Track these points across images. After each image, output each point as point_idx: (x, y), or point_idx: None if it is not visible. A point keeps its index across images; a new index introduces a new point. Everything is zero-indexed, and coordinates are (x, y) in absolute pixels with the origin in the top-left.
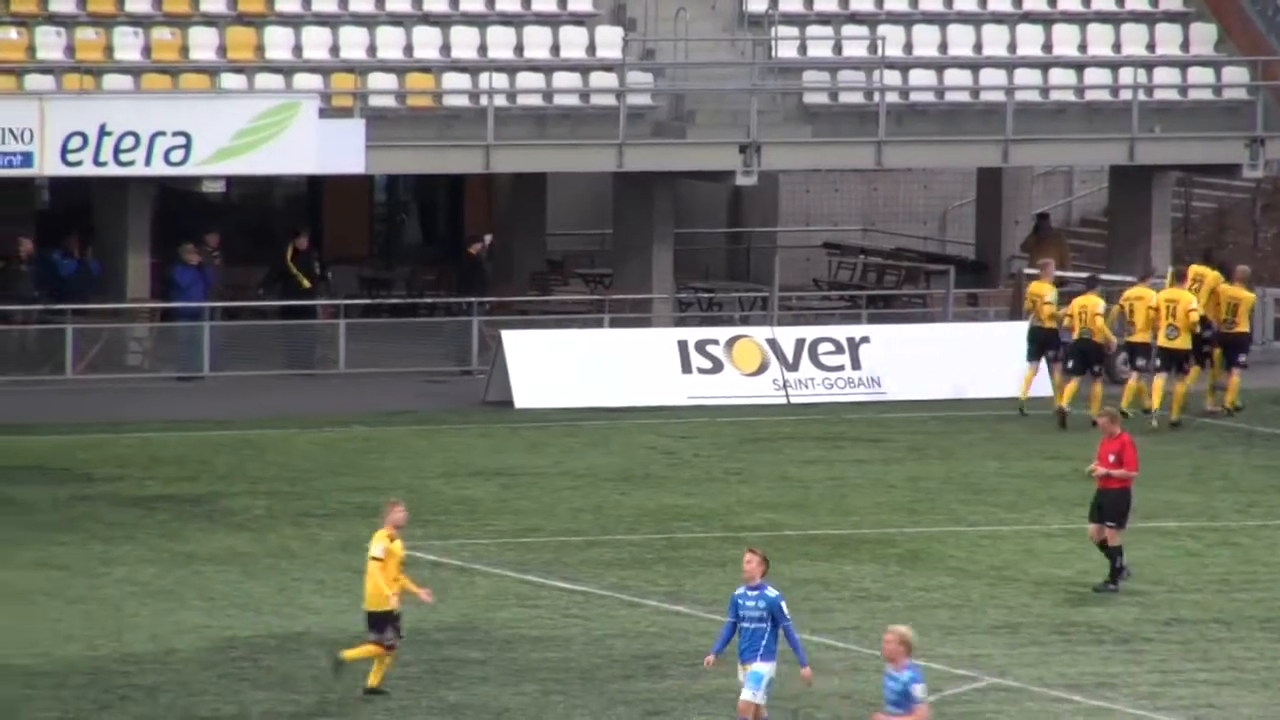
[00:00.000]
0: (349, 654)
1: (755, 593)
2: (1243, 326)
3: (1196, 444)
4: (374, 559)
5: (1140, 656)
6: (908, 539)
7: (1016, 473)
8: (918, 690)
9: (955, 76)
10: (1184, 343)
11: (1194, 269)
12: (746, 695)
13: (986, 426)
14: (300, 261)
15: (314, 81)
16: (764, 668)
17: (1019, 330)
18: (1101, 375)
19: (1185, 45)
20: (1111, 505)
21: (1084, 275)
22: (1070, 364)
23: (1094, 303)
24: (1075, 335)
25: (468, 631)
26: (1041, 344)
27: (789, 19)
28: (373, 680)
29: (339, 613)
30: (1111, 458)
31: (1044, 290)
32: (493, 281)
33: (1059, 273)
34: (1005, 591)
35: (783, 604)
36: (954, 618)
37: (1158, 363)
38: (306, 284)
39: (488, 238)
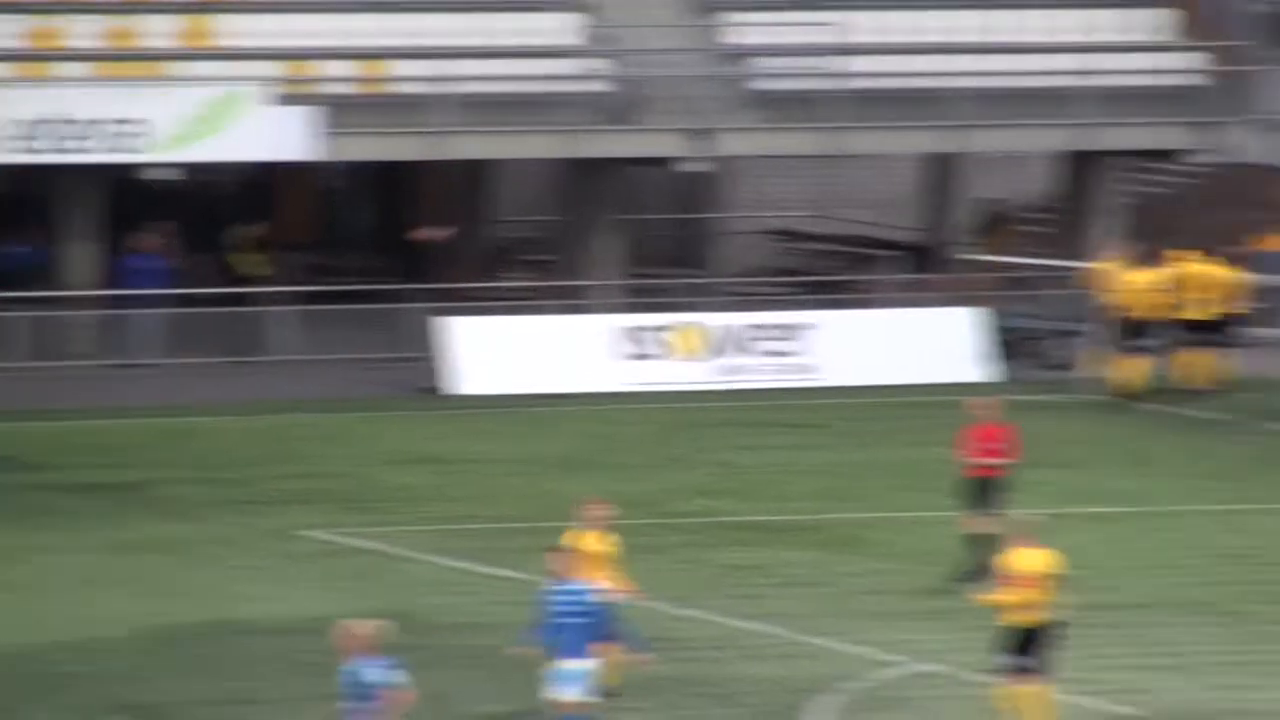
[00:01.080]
0: None
1: (563, 588)
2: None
3: (1133, 428)
4: None
5: (1070, 641)
6: (841, 525)
7: (952, 459)
8: (372, 674)
9: (905, 63)
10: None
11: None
12: (570, 694)
13: (927, 413)
14: (257, 249)
15: (268, 68)
16: (583, 664)
17: (964, 316)
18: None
19: (1137, 31)
20: (992, 493)
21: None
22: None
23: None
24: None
25: (403, 619)
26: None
27: (741, 5)
28: None
29: (275, 600)
30: (988, 445)
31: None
32: (441, 268)
33: (1005, 258)
34: (935, 577)
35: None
36: (883, 603)
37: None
38: (264, 271)
39: (441, 231)
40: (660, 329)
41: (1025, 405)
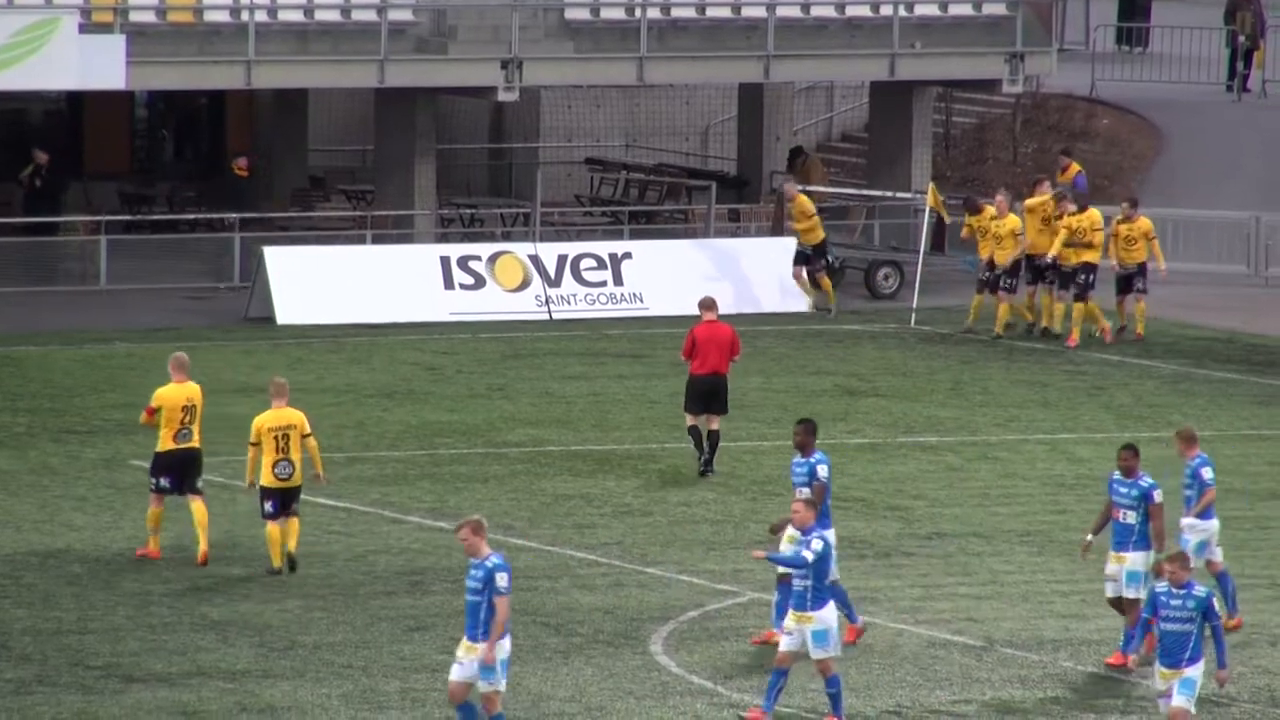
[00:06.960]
0: None
1: (1183, 591)
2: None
3: (957, 359)
4: None
5: (901, 571)
6: (670, 454)
7: (779, 388)
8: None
9: None
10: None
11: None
12: (1179, 702)
13: (747, 343)
14: (41, 178)
15: None
16: (1192, 671)
17: (779, 246)
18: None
19: None
20: (723, 394)
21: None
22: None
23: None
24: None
25: (230, 548)
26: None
27: None
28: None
29: (101, 530)
30: (711, 347)
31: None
32: (254, 198)
33: (815, 188)
34: (767, 506)
35: (1214, 600)
36: (716, 533)
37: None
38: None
39: (243, 159)
40: (479, 259)
41: (848, 334)
